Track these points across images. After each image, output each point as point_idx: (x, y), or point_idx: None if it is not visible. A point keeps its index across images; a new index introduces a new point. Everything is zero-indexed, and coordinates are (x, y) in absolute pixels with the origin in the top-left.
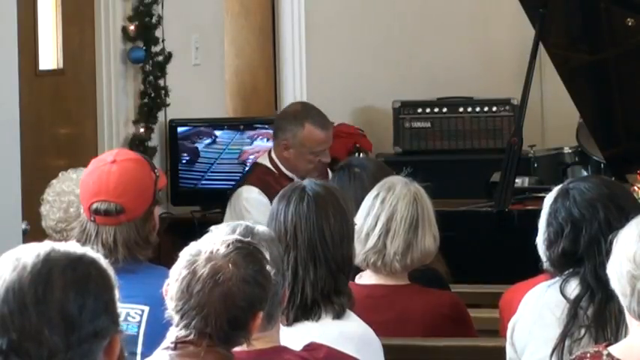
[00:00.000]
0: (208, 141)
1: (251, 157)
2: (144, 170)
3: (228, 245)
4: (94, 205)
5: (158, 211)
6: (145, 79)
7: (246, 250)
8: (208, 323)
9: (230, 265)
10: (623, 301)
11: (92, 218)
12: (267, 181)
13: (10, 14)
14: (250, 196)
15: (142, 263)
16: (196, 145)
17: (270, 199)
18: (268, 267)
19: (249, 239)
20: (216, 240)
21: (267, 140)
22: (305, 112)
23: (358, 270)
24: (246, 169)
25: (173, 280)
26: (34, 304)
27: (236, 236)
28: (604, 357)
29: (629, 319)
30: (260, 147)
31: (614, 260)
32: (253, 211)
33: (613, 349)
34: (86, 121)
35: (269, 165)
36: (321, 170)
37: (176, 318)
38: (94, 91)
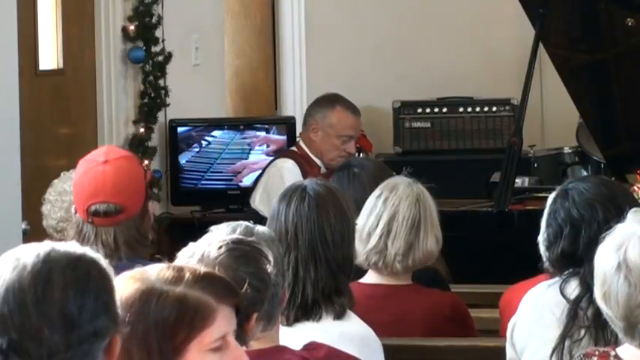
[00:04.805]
0: (208, 141)
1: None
2: (135, 166)
3: (221, 247)
4: (93, 207)
5: (152, 205)
6: (145, 79)
7: (240, 251)
8: None
9: (218, 268)
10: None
11: (90, 220)
12: (298, 160)
13: (10, 14)
14: (285, 165)
15: (143, 261)
16: (196, 145)
17: (302, 174)
18: (268, 267)
19: (249, 239)
20: (212, 241)
21: (267, 147)
22: (336, 97)
23: (359, 270)
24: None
25: None
26: (34, 303)
27: (233, 237)
28: (611, 358)
29: None
30: (257, 160)
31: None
32: (288, 175)
33: (621, 351)
34: (86, 121)
35: (297, 151)
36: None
37: None
38: (94, 91)
